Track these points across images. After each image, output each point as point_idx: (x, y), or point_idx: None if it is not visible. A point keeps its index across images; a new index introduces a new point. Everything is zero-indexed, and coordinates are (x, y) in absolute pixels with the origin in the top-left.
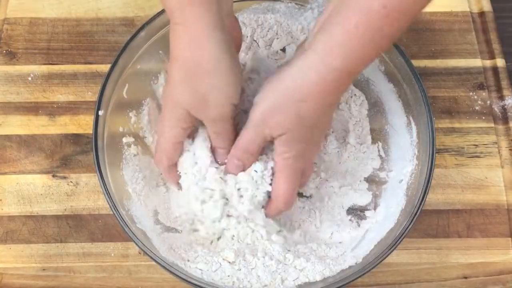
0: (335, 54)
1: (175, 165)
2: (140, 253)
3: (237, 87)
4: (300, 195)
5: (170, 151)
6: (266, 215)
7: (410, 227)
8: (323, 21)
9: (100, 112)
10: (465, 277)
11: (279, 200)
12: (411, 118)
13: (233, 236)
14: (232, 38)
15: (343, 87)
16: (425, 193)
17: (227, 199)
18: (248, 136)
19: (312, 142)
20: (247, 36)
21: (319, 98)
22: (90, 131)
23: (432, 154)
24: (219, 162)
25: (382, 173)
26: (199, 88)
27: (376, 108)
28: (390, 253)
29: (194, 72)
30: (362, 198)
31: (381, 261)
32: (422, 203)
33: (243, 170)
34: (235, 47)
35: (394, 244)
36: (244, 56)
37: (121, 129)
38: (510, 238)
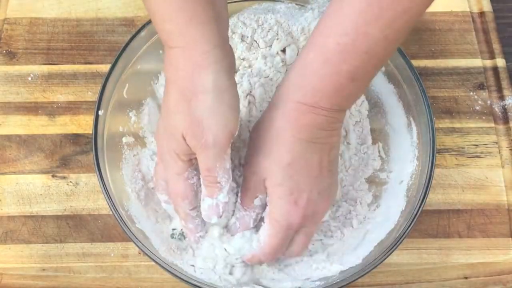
0: (293, 86)
1: (194, 210)
2: (140, 253)
3: (235, 111)
4: None
5: (186, 192)
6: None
7: (410, 228)
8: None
9: (100, 112)
10: (466, 277)
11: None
12: (411, 119)
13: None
14: (232, 62)
15: (307, 119)
16: (425, 194)
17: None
18: (245, 186)
19: (299, 189)
20: (248, 37)
21: (284, 131)
22: (90, 131)
23: (433, 155)
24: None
25: (383, 173)
26: (195, 111)
27: (376, 109)
28: (390, 254)
29: (191, 93)
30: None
31: (381, 262)
32: (422, 204)
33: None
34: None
35: (394, 245)
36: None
37: (121, 129)
38: (510, 238)
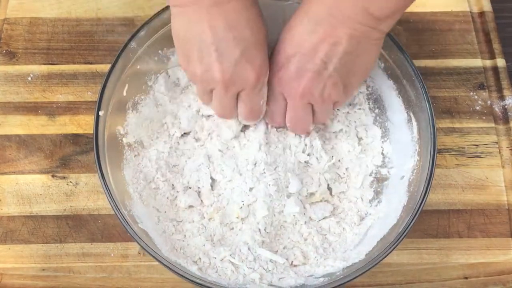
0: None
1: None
2: (140, 253)
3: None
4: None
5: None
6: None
7: (412, 223)
8: None
9: (101, 113)
10: (466, 277)
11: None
12: (411, 114)
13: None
14: None
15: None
16: (427, 188)
17: None
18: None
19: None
20: None
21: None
22: (89, 131)
23: (434, 149)
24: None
25: (384, 169)
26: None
27: (376, 105)
28: (393, 249)
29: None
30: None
31: (384, 257)
32: (425, 199)
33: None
34: None
35: (397, 240)
36: None
37: (121, 129)
38: (510, 238)
